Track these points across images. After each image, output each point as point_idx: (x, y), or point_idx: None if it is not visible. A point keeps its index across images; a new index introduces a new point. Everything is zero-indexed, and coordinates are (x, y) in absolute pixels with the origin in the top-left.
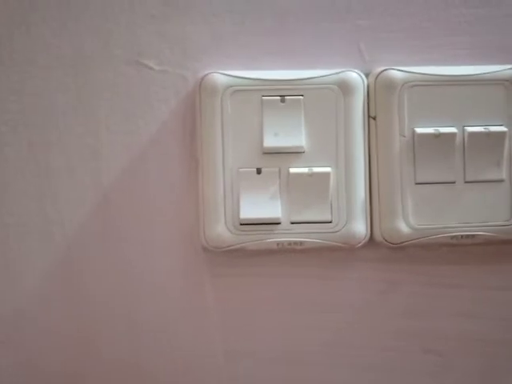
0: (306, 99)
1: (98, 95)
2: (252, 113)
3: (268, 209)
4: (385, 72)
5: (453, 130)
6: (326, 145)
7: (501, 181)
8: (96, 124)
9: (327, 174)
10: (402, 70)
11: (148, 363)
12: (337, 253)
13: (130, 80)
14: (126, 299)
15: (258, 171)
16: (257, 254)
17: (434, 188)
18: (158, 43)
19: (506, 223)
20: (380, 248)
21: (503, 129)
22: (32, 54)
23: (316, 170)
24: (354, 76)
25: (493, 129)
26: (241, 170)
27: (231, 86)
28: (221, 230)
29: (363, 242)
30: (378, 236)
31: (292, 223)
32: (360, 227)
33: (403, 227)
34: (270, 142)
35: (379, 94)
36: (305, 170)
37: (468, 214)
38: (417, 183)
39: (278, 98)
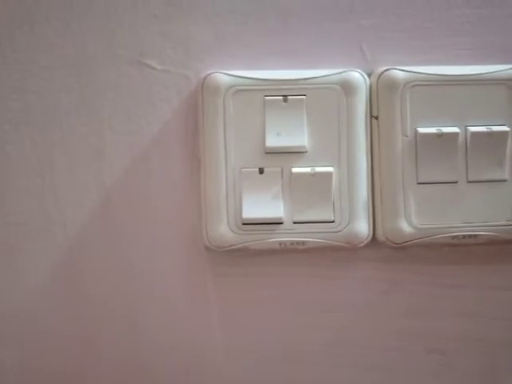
0: (309, 99)
1: (100, 95)
2: (254, 113)
3: (270, 208)
4: (387, 72)
5: (455, 129)
6: (329, 144)
7: (503, 181)
8: (99, 124)
9: (329, 174)
10: (404, 70)
11: (149, 363)
12: (339, 252)
13: (132, 80)
14: (128, 299)
15: (261, 171)
16: (259, 254)
17: (436, 188)
18: (160, 43)
19: (509, 223)
20: (382, 248)
21: (505, 128)
22: (35, 54)
23: (318, 169)
24: (357, 76)
25: (495, 128)
26: (243, 169)
27: (234, 86)
28: (223, 230)
29: (365, 241)
30: (380, 236)
31: (294, 223)
32: (362, 227)
33: (405, 227)
34: (272, 141)
35: (381, 93)
36: (307, 169)
37: (470, 213)
38: (419, 183)
39: (281, 97)
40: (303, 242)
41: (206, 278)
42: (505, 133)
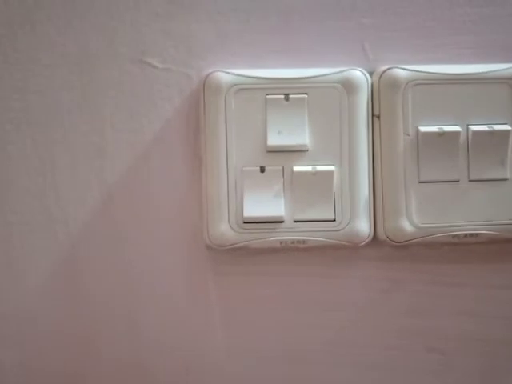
0: (310, 98)
1: (102, 93)
2: (256, 111)
3: (271, 207)
4: (389, 71)
5: (457, 128)
6: (330, 143)
7: (505, 180)
8: (100, 122)
9: (331, 173)
10: (406, 69)
11: (149, 362)
12: (340, 251)
13: (134, 78)
14: (128, 298)
15: (262, 169)
16: (260, 253)
17: (437, 187)
18: (162, 41)
19: (510, 222)
20: (383, 246)
21: (507, 127)
22: (36, 52)
23: (320, 168)
24: (358, 74)
25: (497, 127)
26: (244, 168)
27: (235, 85)
28: (224, 229)
29: (367, 240)
30: (381, 234)
31: (295, 222)
32: (363, 226)
33: (407, 226)
34: (273, 140)
35: (383, 92)
36: (308, 168)
37: (472, 212)
38: (420, 182)
39: (282, 96)
40: (304, 241)
41: (207, 276)
42: (506, 132)
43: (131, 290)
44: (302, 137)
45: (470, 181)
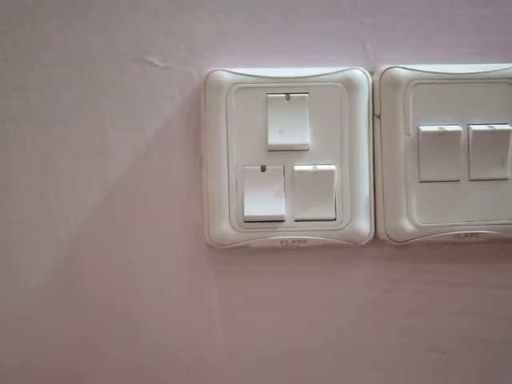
0: (311, 97)
1: (103, 92)
2: (257, 110)
3: (272, 206)
4: (390, 70)
5: (457, 128)
6: (331, 142)
7: (505, 179)
8: (101, 121)
9: (331, 172)
10: (406, 68)
11: (149, 361)
12: (341, 250)
13: (134, 77)
14: (129, 297)
15: (263, 169)
16: (261, 252)
17: (438, 186)
18: (163, 40)
19: (510, 222)
20: (384, 246)
21: (508, 127)
22: (37, 51)
23: (320, 167)
24: (359, 74)
25: (497, 127)
26: (245, 167)
27: (236, 84)
28: (225, 228)
29: (367, 239)
30: (382, 234)
31: (296, 221)
32: (364, 225)
33: (407, 225)
34: (274, 139)
35: (384, 92)
36: (309, 167)
37: (472, 212)
38: (421, 181)
39: (283, 95)
40: (305, 240)
41: (208, 275)
42: (507, 131)
43: (131, 289)
44: (302, 136)
45: (471, 180)
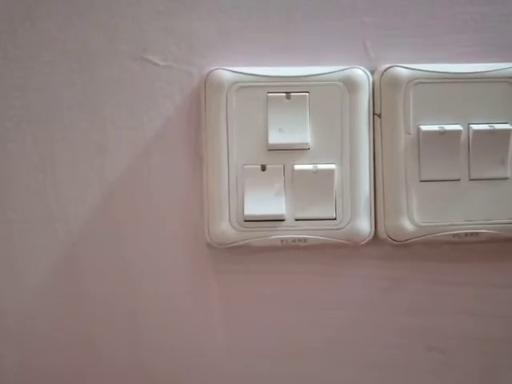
0: (312, 96)
1: (103, 91)
2: (257, 109)
3: (272, 205)
4: (390, 69)
5: (458, 127)
6: (331, 142)
7: (505, 179)
8: (101, 119)
9: (332, 171)
10: (407, 68)
11: (150, 360)
12: (341, 250)
13: (135, 76)
14: (129, 296)
15: (263, 168)
16: (261, 251)
17: (438, 185)
18: (164, 39)
19: (510, 221)
20: (384, 245)
21: (508, 126)
22: (36, 49)
23: (321, 166)
24: (360, 73)
25: (498, 126)
26: (245, 166)
27: (237, 83)
28: (225, 227)
29: (367, 239)
30: (382, 233)
31: (296, 220)
32: (364, 224)
33: (407, 225)
34: (274, 138)
35: (384, 91)
36: (309, 166)
37: (472, 211)
38: (421, 181)
39: (284, 94)
40: (305, 239)
41: (208, 274)
42: (507, 131)
43: (131, 289)
44: (303, 135)
45: (471, 180)
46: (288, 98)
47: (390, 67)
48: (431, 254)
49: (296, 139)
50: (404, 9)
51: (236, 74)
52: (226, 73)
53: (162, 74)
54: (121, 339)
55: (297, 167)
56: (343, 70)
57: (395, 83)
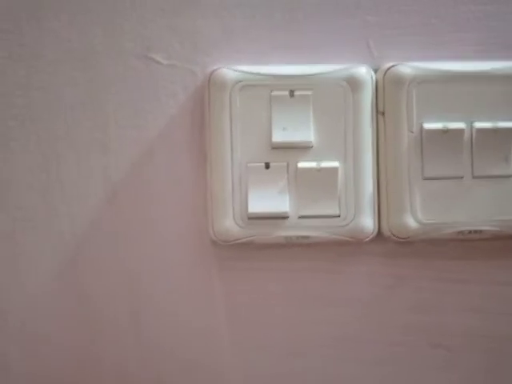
0: (315, 94)
1: (106, 89)
2: (261, 108)
3: (276, 203)
4: (393, 68)
5: (461, 125)
6: (335, 140)
7: (509, 176)
8: (104, 118)
9: (335, 169)
10: (410, 66)
11: (153, 359)
12: (344, 247)
13: (138, 74)
14: (133, 294)
15: (267, 166)
16: (265, 248)
17: (441, 183)
18: (167, 37)
19: None
20: (388, 243)
21: (511, 124)
22: (40, 48)
23: (324, 164)
24: (363, 71)
25: (501, 124)
26: (249, 164)
27: (240, 81)
28: (229, 224)
29: (371, 236)
30: (385, 231)
31: (300, 217)
32: (368, 222)
33: (411, 222)
34: (278, 136)
35: (388, 89)
36: (313, 164)
37: (476, 209)
38: (425, 178)
39: (287, 92)
40: (308, 237)
41: (212, 272)
42: (510, 129)
43: (135, 286)
44: (306, 133)
45: (474, 177)
46: (291, 96)
47: (393, 66)
48: (435, 252)
49: (299, 137)
50: (407, 7)
51: (239, 73)
52: (230, 71)
53: (165, 72)
54: (124, 337)
55: (300, 165)
56: (346, 68)
57: (398, 81)
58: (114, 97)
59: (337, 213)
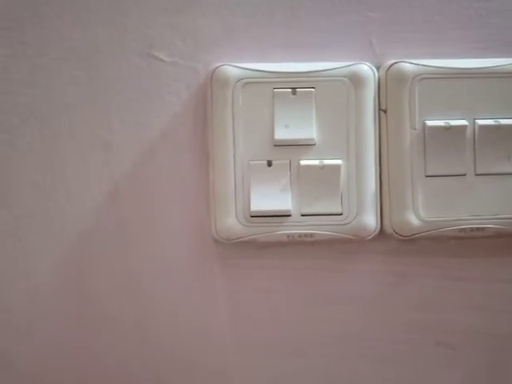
0: (317, 91)
1: (109, 87)
2: (263, 105)
3: (278, 201)
4: (396, 65)
5: (463, 122)
6: (337, 137)
7: (511, 174)
8: (108, 116)
9: (338, 167)
10: (412, 63)
11: (155, 358)
12: (347, 245)
13: (141, 72)
14: (136, 293)
15: (269, 163)
16: (267, 246)
17: (444, 181)
18: (170, 35)
19: None
20: (390, 240)
21: None
22: (44, 46)
23: (327, 162)
24: (365, 69)
25: (503, 121)
26: (251, 162)
27: (242, 79)
28: (231, 222)
29: (373, 234)
30: (388, 228)
31: (302, 215)
32: (370, 219)
33: (413, 220)
34: (280, 134)
35: (390, 86)
36: (315, 162)
37: (478, 206)
38: (427, 176)
39: (289, 90)
40: (311, 235)
41: (214, 270)
42: None
43: (138, 285)
44: (309, 131)
45: (477, 175)
46: (294, 93)
47: (395, 63)
48: (437, 249)
49: (302, 135)
50: (409, 4)
51: (242, 70)
52: (232, 69)
53: (168, 70)
54: (126, 336)
55: (303, 163)
56: (349, 65)
57: (401, 79)
58: (116, 95)
59: (339, 211)
